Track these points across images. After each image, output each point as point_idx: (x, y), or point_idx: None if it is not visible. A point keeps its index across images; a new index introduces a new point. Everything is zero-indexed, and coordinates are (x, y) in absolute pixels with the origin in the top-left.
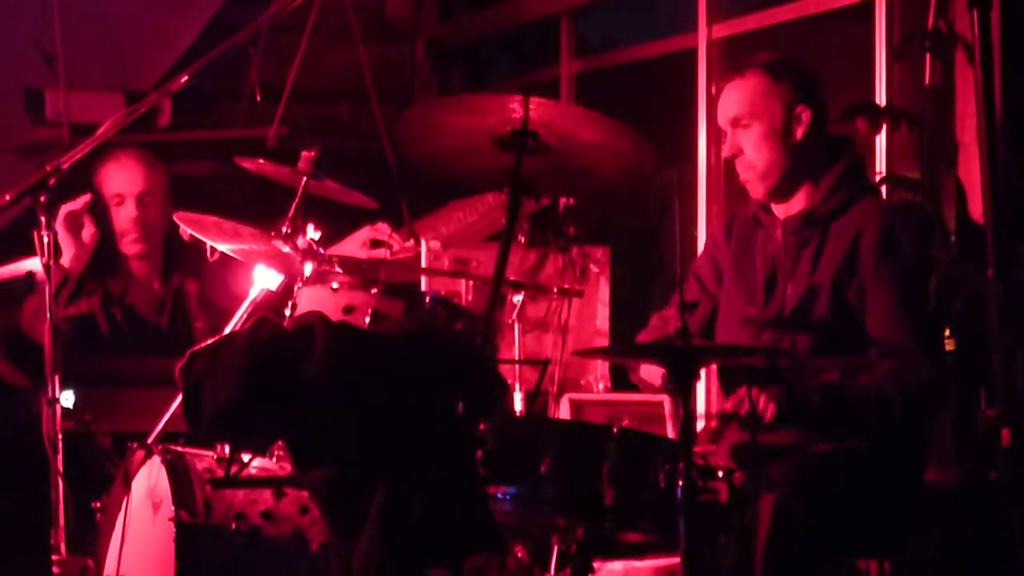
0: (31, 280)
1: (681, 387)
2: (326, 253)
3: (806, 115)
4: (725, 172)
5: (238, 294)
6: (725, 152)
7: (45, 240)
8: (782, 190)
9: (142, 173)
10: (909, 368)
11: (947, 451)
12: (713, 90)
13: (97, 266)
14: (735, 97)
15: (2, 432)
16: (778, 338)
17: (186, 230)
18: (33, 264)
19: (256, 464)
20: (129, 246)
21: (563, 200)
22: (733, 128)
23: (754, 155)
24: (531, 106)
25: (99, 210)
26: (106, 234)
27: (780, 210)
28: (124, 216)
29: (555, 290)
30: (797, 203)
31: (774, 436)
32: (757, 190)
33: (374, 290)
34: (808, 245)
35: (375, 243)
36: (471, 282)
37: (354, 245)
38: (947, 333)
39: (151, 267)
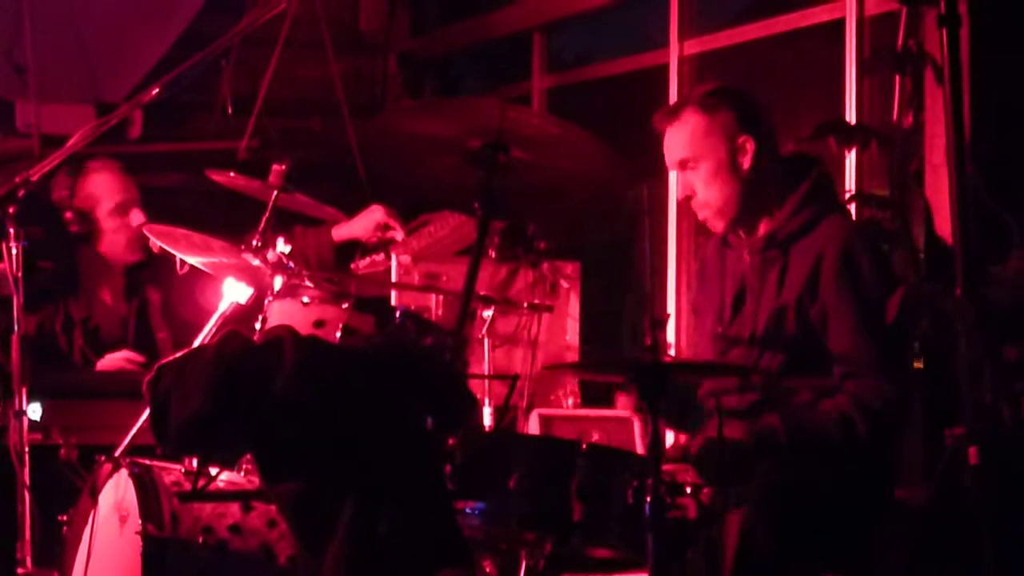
0: None
1: (649, 403)
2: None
3: (750, 144)
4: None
5: (207, 307)
6: (678, 194)
7: (14, 252)
8: (744, 221)
9: (132, 180)
10: (871, 390)
11: (916, 469)
12: (658, 127)
13: (58, 288)
14: (676, 141)
15: None
16: (745, 357)
17: (156, 243)
18: None
19: (224, 478)
20: (137, 252)
21: None
22: (681, 171)
23: (707, 194)
24: (508, 113)
25: (89, 223)
26: (67, 255)
27: (747, 232)
28: (135, 221)
29: (525, 305)
30: (762, 226)
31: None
32: (717, 226)
33: (345, 304)
34: (773, 266)
35: (386, 227)
36: (441, 297)
37: (364, 225)
38: (915, 351)
39: (115, 283)
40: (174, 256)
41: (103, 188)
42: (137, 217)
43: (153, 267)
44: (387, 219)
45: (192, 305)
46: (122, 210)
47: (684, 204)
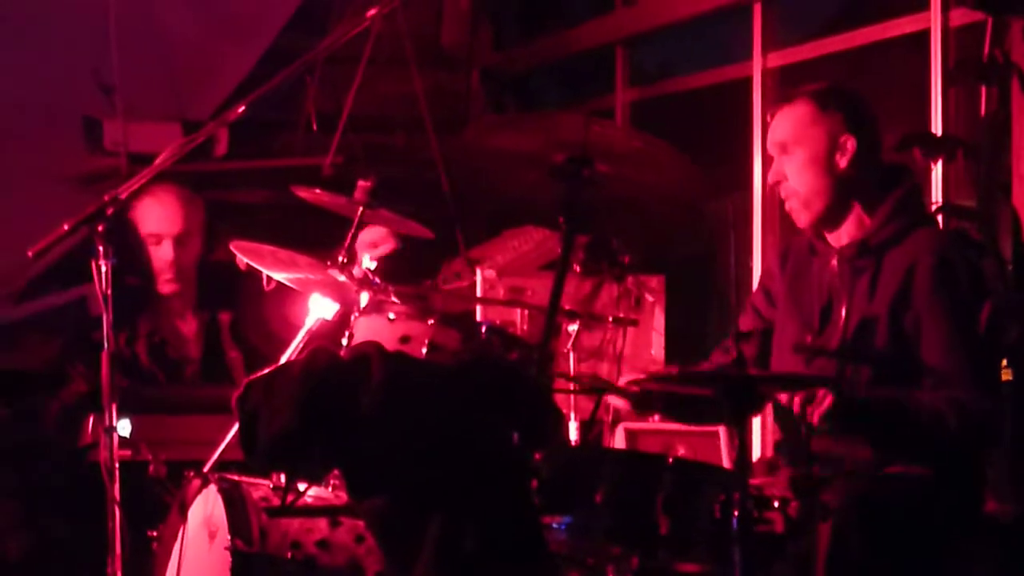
0: (83, 305)
1: (736, 416)
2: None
3: (851, 144)
4: (780, 201)
5: (292, 322)
6: (770, 178)
7: (103, 270)
8: (829, 219)
9: (180, 212)
10: (965, 397)
11: (1006, 483)
12: (768, 118)
13: (126, 302)
14: (782, 124)
15: (61, 457)
16: (831, 367)
17: (243, 259)
18: (87, 290)
19: (312, 493)
20: (164, 285)
21: None
22: (779, 155)
23: (797, 181)
24: (593, 127)
25: (133, 245)
26: (137, 269)
27: (833, 239)
28: (160, 256)
29: (610, 319)
30: (850, 232)
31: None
32: (802, 218)
33: (431, 320)
34: (863, 274)
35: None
36: (526, 311)
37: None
38: (1004, 363)
39: (184, 300)
40: (260, 272)
41: (144, 214)
42: (167, 251)
43: (221, 287)
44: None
45: (279, 320)
46: (154, 240)
47: (772, 189)
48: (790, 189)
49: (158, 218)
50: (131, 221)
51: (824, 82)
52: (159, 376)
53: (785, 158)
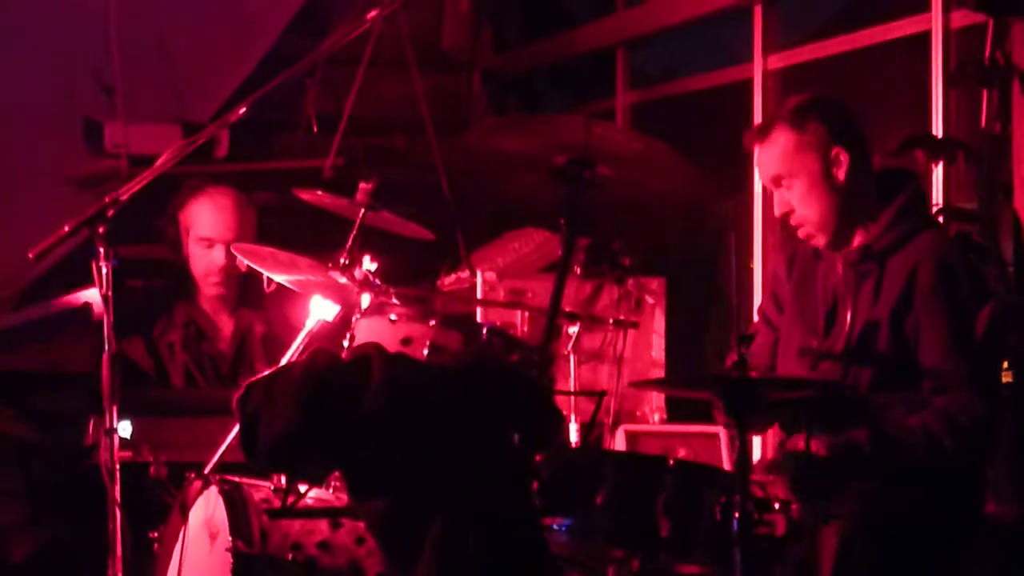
0: (87, 311)
1: (737, 419)
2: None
3: (844, 156)
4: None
5: (296, 325)
6: (777, 211)
7: (103, 271)
8: (845, 232)
9: (236, 218)
10: (960, 406)
11: (1007, 485)
12: (753, 148)
13: (165, 293)
14: (768, 158)
15: (62, 458)
16: (836, 370)
17: (243, 261)
18: (90, 295)
19: (313, 495)
20: (210, 288)
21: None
22: (776, 187)
23: (805, 210)
24: (593, 130)
25: (179, 240)
26: (181, 263)
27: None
28: (211, 260)
29: (611, 321)
30: (855, 238)
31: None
32: (820, 241)
33: (432, 322)
34: (868, 279)
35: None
36: (527, 313)
37: None
38: (1005, 366)
39: (224, 300)
40: (262, 275)
41: (199, 216)
42: (219, 257)
43: (258, 293)
44: None
45: (285, 323)
46: (206, 244)
47: (782, 221)
48: (801, 217)
49: (213, 223)
50: (181, 219)
51: (794, 96)
52: (191, 368)
53: (784, 190)
